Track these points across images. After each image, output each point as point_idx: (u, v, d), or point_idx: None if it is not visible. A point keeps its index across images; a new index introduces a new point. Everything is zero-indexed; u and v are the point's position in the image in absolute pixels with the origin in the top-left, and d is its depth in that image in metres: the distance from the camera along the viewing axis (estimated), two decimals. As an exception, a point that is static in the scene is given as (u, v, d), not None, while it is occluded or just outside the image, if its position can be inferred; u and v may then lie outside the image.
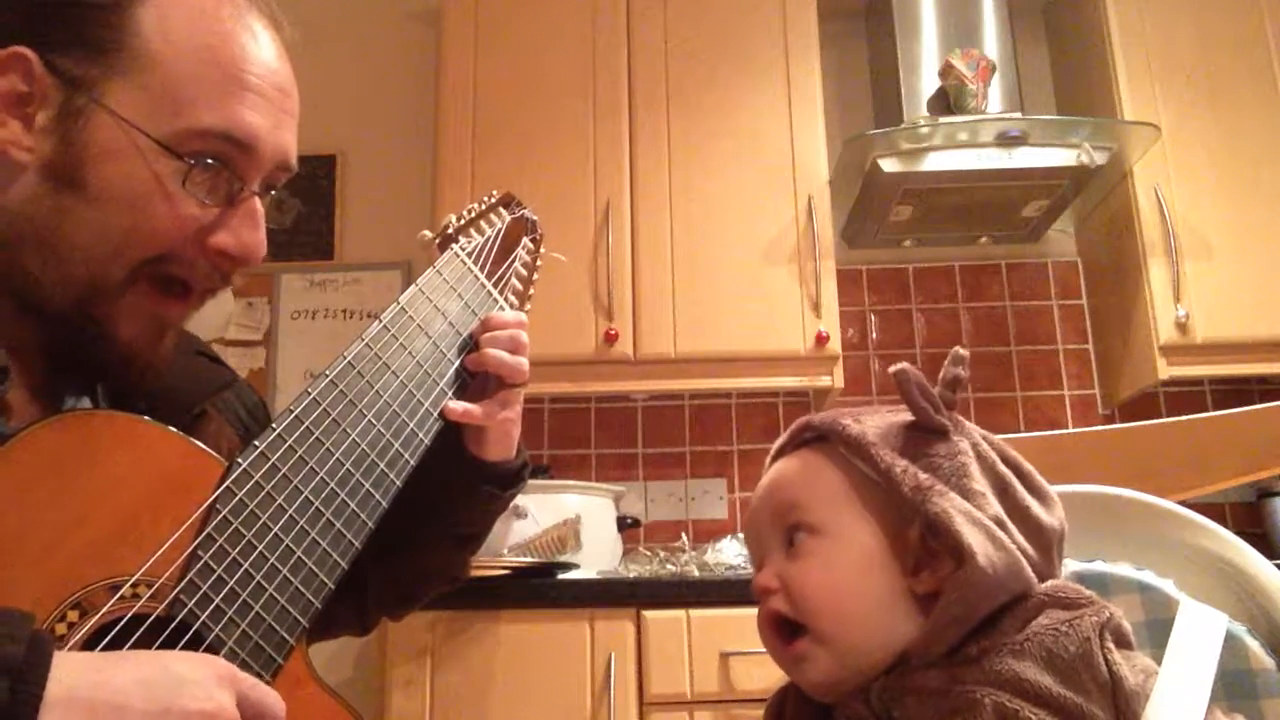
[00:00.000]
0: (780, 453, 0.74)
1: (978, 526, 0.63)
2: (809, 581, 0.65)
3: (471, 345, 0.92)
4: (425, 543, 0.98)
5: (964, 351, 0.70)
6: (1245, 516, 2.46)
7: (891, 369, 0.69)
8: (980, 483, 0.66)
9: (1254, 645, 0.68)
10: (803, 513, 0.68)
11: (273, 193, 0.81)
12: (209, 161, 0.73)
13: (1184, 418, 1.17)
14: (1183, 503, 0.79)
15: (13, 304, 0.73)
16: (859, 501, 0.67)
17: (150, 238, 0.73)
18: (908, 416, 0.69)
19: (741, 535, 2.24)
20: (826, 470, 0.69)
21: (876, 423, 0.69)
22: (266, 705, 0.63)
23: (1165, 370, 2.29)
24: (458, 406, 0.89)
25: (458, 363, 0.90)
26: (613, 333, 2.28)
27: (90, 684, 0.56)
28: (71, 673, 0.55)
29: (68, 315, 0.73)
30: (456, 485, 0.94)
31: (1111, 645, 0.60)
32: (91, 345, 0.74)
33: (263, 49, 0.77)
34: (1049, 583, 0.64)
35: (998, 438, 0.71)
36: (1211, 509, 2.39)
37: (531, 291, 1.03)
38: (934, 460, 0.66)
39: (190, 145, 0.72)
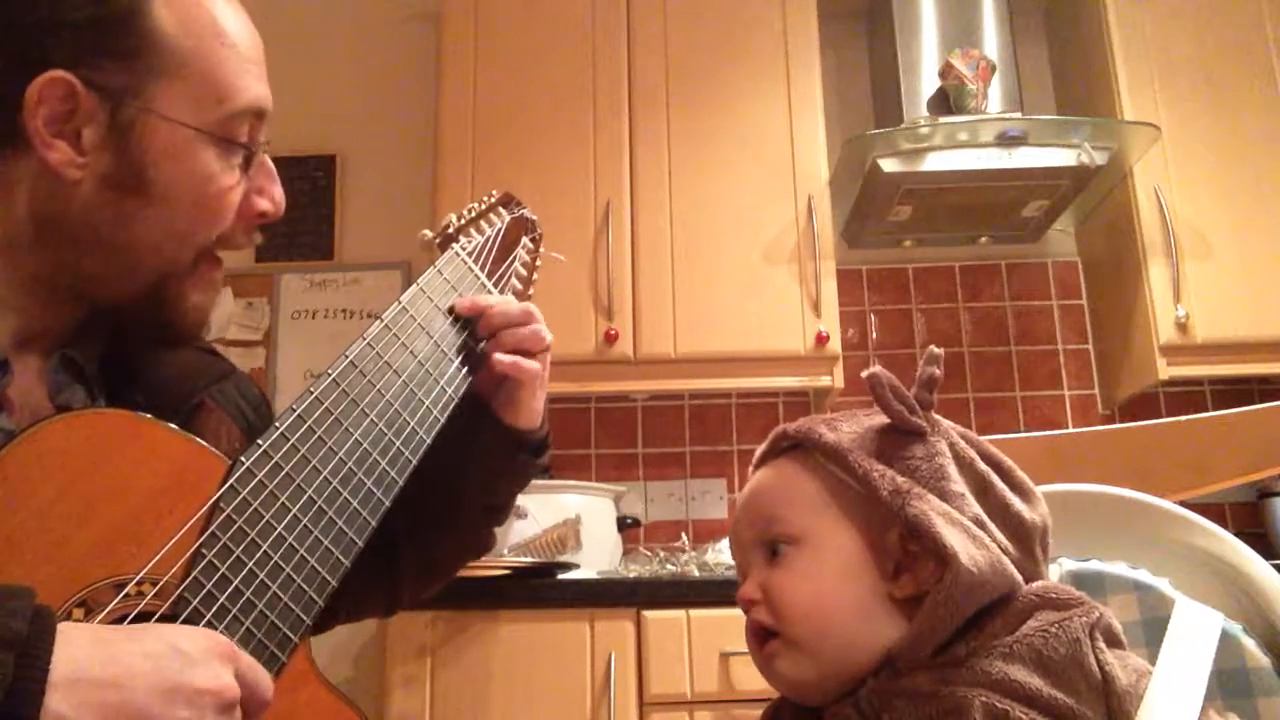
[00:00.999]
0: (761, 462, 0.74)
1: (957, 527, 0.63)
2: (789, 592, 0.66)
3: (473, 345, 0.93)
4: (459, 516, 1.01)
5: (938, 350, 0.70)
6: (1245, 516, 2.46)
7: (864, 374, 0.69)
8: (958, 483, 0.66)
9: (1250, 644, 0.68)
10: (781, 524, 0.68)
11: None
12: (244, 138, 0.77)
13: (1184, 418, 1.17)
14: (1183, 503, 0.79)
15: (50, 293, 0.76)
16: (837, 509, 0.67)
17: (212, 222, 0.78)
18: (884, 420, 0.69)
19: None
20: (803, 479, 0.69)
21: (852, 428, 0.70)
22: (259, 684, 0.64)
23: (1165, 370, 2.29)
24: (506, 358, 0.92)
25: (458, 361, 0.91)
26: (613, 333, 2.28)
27: (97, 660, 0.56)
28: (78, 648, 0.56)
29: (140, 300, 0.77)
30: (492, 456, 0.97)
31: (1103, 645, 0.60)
32: (169, 319, 0.79)
33: (244, 19, 0.81)
34: (1039, 583, 0.65)
35: (978, 435, 0.72)
36: (1211, 509, 2.40)
37: (531, 291, 1.04)
38: (911, 463, 0.66)
39: (232, 128, 0.77)
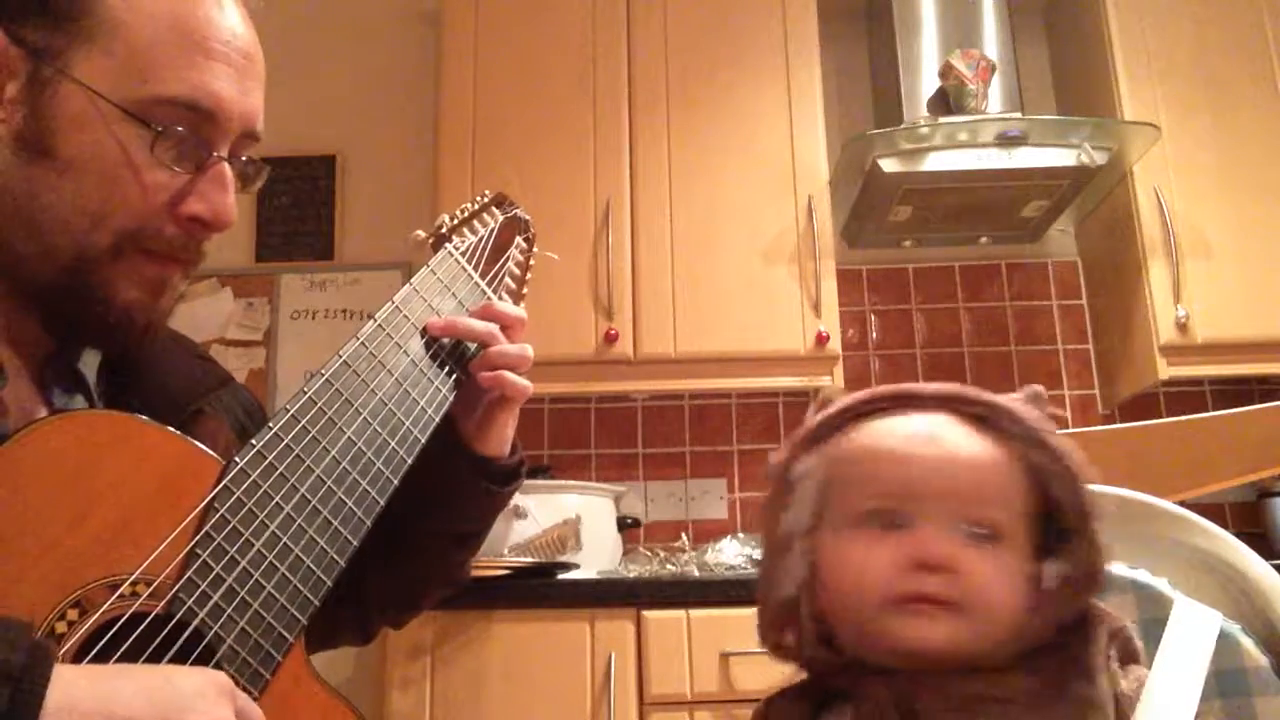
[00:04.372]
0: (918, 404, 0.68)
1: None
2: (992, 586, 0.62)
3: (471, 350, 0.92)
4: (427, 543, 0.97)
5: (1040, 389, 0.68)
6: (1245, 516, 2.46)
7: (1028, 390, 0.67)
8: None
9: (1248, 643, 0.68)
10: (998, 519, 0.63)
11: (243, 158, 0.80)
12: (176, 129, 0.73)
13: (1184, 418, 1.17)
14: (1182, 503, 0.79)
15: (3, 285, 0.74)
16: (1028, 516, 0.64)
17: (124, 206, 0.73)
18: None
19: (743, 534, 2.25)
20: (1018, 476, 0.64)
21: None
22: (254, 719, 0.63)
23: (1165, 370, 2.28)
24: (490, 374, 0.91)
25: (451, 362, 0.90)
26: (613, 333, 2.28)
27: (92, 694, 0.56)
28: (74, 683, 0.55)
29: (61, 285, 0.73)
30: (456, 483, 0.94)
31: (1113, 653, 0.61)
32: (92, 311, 0.74)
33: (227, 14, 0.77)
34: None
35: None
36: (1211, 509, 2.39)
37: (525, 290, 1.04)
38: None
39: (156, 112, 0.72)
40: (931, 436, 0.66)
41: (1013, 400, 0.67)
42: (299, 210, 2.73)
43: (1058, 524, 0.63)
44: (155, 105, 0.72)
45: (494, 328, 0.93)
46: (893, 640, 0.62)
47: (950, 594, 0.61)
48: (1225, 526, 0.76)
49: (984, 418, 0.66)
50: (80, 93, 0.71)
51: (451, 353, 0.91)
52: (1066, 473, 0.63)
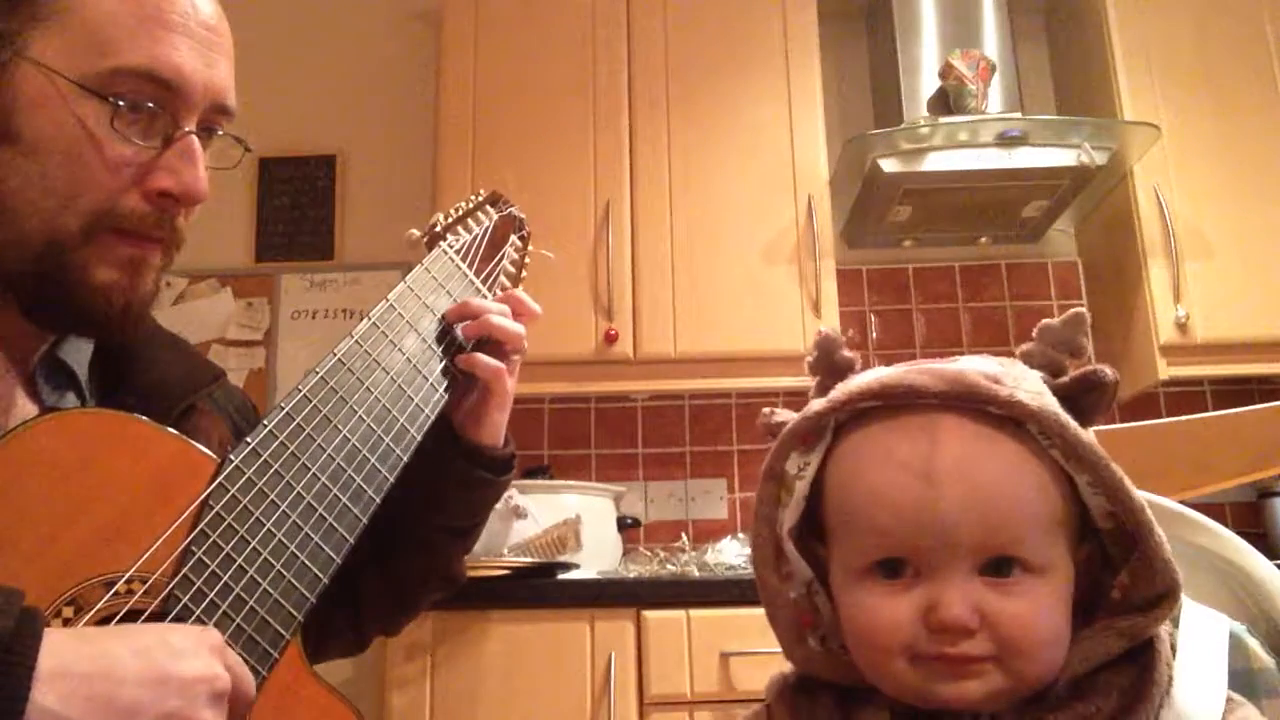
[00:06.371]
0: (921, 405, 0.60)
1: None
2: (1025, 632, 0.55)
3: (462, 344, 0.93)
4: (423, 539, 0.97)
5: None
6: (1245, 516, 2.45)
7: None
8: None
9: (1253, 644, 0.68)
10: (1026, 547, 0.56)
11: (219, 133, 0.80)
12: (140, 102, 0.72)
13: (1184, 418, 1.17)
14: (1183, 503, 0.79)
15: None
16: (1066, 530, 0.58)
17: (90, 184, 0.72)
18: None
19: (743, 535, 2.24)
20: (1049, 488, 0.58)
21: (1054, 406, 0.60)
22: (245, 679, 0.64)
23: (1165, 370, 2.28)
24: (484, 360, 0.92)
25: (446, 359, 0.90)
26: (613, 333, 2.28)
27: (84, 656, 0.56)
28: (65, 645, 0.56)
29: (37, 273, 0.72)
30: (452, 474, 0.94)
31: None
32: (69, 295, 0.73)
33: None
34: None
35: None
36: (1211, 509, 2.38)
37: (520, 289, 1.04)
38: None
39: (115, 86, 0.72)
40: (929, 467, 0.56)
41: (1043, 404, 0.58)
42: (299, 210, 2.73)
43: (1112, 535, 0.58)
44: (113, 78, 0.72)
45: (506, 309, 0.95)
46: (927, 699, 0.56)
47: (983, 651, 0.55)
48: (1225, 526, 0.75)
49: (1002, 417, 0.58)
50: (38, 73, 0.71)
51: (447, 349, 0.91)
52: (1111, 480, 0.57)
